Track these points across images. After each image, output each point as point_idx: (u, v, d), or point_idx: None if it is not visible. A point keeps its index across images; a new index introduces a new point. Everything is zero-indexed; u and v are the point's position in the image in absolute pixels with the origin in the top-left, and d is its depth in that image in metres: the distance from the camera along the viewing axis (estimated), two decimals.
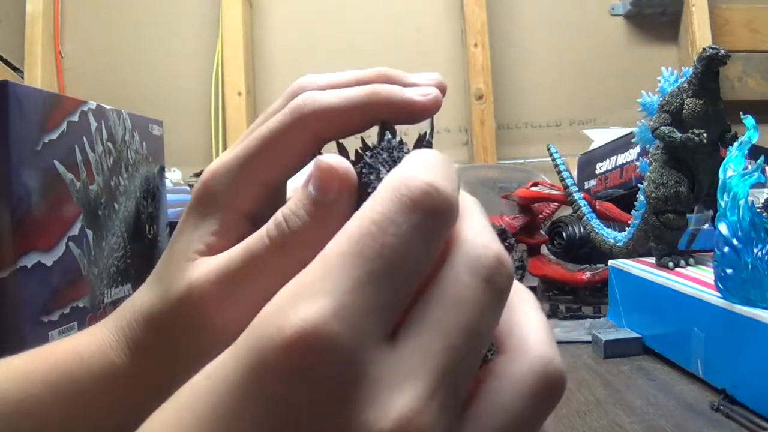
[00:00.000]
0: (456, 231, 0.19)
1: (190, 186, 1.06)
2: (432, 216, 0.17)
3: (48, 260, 0.51)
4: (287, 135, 0.25)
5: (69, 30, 1.62)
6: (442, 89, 0.27)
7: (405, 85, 0.26)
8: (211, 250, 0.25)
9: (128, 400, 0.27)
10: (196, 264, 0.25)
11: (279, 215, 0.23)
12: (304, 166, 0.24)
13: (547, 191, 0.98)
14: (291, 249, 0.23)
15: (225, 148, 1.57)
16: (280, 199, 0.28)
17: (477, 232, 0.19)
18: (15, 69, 1.50)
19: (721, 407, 0.46)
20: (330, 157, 0.22)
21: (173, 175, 1.15)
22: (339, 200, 0.22)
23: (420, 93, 0.26)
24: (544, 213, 1.01)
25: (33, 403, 0.26)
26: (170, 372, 0.26)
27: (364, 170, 0.27)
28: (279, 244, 0.23)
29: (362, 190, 0.27)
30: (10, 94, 0.48)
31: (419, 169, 0.18)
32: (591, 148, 1.16)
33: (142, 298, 0.27)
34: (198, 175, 0.93)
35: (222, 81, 1.55)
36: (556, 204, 1.00)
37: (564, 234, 0.95)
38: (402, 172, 0.18)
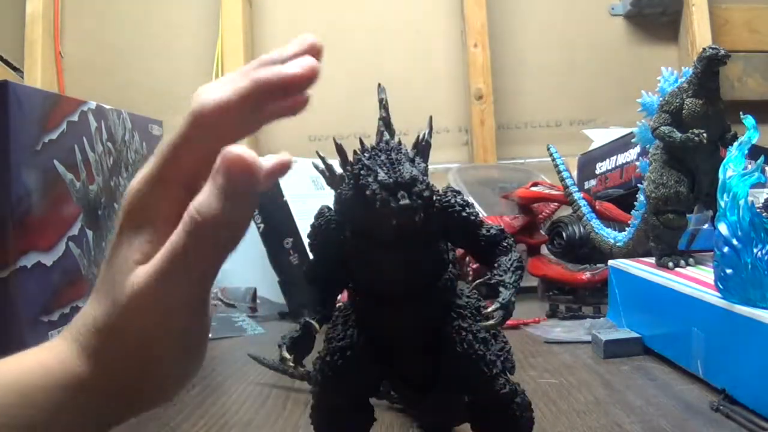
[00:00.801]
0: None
1: None
2: None
3: (48, 260, 0.51)
4: (190, 138, 0.27)
5: (69, 30, 1.61)
6: (316, 51, 0.28)
7: (282, 62, 0.28)
8: (148, 258, 0.27)
9: (94, 406, 0.29)
10: (136, 273, 0.27)
11: (191, 209, 0.25)
12: (214, 161, 0.25)
13: (547, 191, 0.98)
14: (208, 236, 0.25)
15: None
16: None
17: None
18: (15, 69, 1.50)
19: (721, 407, 0.46)
20: (237, 149, 0.24)
21: None
22: (248, 188, 0.24)
23: (297, 65, 0.27)
24: (544, 213, 1.01)
25: (2, 411, 0.27)
26: (126, 376, 0.29)
27: (362, 172, 0.27)
28: (196, 235, 0.25)
29: (359, 192, 0.27)
30: (10, 94, 0.48)
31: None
32: (591, 148, 1.16)
33: (92, 312, 0.29)
34: None
35: None
36: (556, 204, 1.00)
37: (564, 234, 0.95)
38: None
